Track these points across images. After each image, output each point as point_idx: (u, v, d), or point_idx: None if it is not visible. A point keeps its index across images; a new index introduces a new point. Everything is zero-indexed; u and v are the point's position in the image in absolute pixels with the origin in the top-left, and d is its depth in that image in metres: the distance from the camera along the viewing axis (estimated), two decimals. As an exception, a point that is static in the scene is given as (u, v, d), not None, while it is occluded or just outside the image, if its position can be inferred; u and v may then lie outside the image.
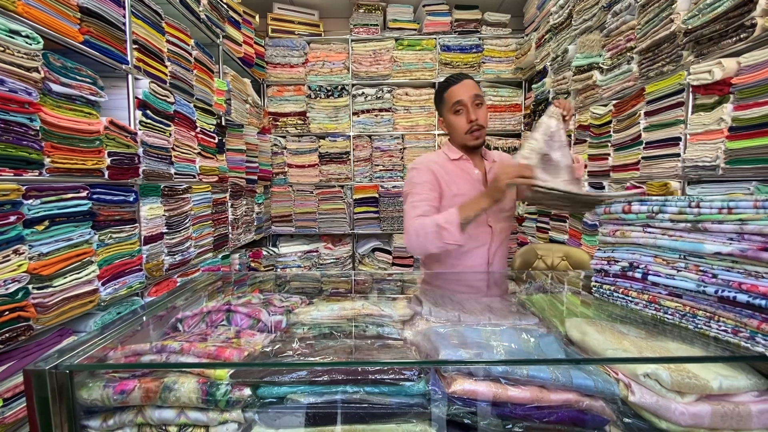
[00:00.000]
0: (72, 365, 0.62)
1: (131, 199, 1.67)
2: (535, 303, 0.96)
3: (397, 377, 0.62)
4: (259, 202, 3.38)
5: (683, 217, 0.73)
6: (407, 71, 3.55)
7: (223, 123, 2.70)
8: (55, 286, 1.28)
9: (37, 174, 1.25)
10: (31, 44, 1.19)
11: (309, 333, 0.81)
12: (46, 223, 1.26)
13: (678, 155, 1.67)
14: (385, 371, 0.62)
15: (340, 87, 3.59)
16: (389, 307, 0.91)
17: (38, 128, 1.24)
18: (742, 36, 1.38)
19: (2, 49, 1.11)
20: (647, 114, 1.86)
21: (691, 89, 1.60)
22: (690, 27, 1.56)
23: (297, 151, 3.69)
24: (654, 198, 0.80)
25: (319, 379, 0.62)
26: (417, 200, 1.34)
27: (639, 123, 1.90)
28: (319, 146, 3.67)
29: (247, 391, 0.62)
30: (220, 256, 2.60)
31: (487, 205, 1.18)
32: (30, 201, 1.20)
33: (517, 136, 3.65)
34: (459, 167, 1.44)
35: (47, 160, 1.28)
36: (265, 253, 3.52)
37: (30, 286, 1.21)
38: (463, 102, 1.36)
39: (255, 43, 3.30)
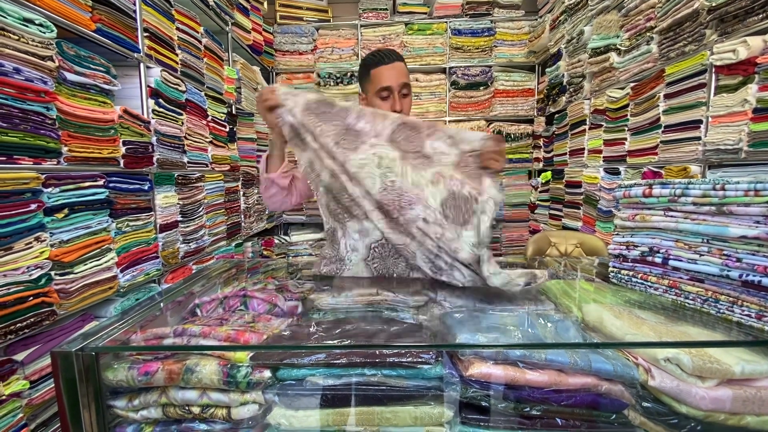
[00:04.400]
0: (97, 347, 0.64)
1: (146, 187, 1.69)
2: (550, 289, 0.95)
3: (415, 360, 0.62)
4: (270, 190, 3.39)
5: (707, 200, 0.71)
6: (417, 56, 3.50)
7: (234, 112, 2.70)
8: (76, 273, 1.32)
9: (55, 163, 1.27)
10: (44, 33, 1.19)
11: (325, 318, 0.82)
12: (66, 211, 1.28)
13: (699, 138, 1.63)
14: (403, 354, 0.63)
15: (349, 74, 3.55)
16: (403, 293, 0.91)
17: (55, 117, 1.25)
18: (769, 12, 1.32)
19: (17, 37, 1.12)
20: (667, 96, 1.81)
21: (713, 70, 1.54)
22: (714, 4, 1.50)
23: (307, 139, 3.68)
24: (677, 181, 0.78)
25: (337, 361, 0.63)
26: None
27: (658, 106, 1.85)
28: (329, 134, 3.65)
29: (267, 373, 0.63)
30: (233, 244, 2.63)
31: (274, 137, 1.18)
32: (49, 189, 1.23)
33: (530, 121, 3.58)
34: None
35: (65, 149, 1.29)
36: (276, 241, 3.55)
37: (52, 273, 1.24)
38: (392, 89, 1.21)
39: (264, 30, 3.28)
